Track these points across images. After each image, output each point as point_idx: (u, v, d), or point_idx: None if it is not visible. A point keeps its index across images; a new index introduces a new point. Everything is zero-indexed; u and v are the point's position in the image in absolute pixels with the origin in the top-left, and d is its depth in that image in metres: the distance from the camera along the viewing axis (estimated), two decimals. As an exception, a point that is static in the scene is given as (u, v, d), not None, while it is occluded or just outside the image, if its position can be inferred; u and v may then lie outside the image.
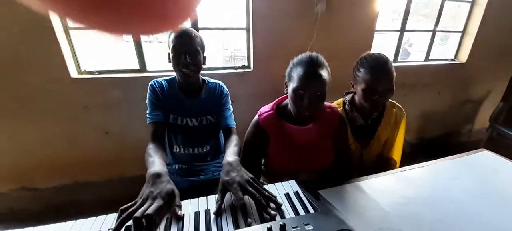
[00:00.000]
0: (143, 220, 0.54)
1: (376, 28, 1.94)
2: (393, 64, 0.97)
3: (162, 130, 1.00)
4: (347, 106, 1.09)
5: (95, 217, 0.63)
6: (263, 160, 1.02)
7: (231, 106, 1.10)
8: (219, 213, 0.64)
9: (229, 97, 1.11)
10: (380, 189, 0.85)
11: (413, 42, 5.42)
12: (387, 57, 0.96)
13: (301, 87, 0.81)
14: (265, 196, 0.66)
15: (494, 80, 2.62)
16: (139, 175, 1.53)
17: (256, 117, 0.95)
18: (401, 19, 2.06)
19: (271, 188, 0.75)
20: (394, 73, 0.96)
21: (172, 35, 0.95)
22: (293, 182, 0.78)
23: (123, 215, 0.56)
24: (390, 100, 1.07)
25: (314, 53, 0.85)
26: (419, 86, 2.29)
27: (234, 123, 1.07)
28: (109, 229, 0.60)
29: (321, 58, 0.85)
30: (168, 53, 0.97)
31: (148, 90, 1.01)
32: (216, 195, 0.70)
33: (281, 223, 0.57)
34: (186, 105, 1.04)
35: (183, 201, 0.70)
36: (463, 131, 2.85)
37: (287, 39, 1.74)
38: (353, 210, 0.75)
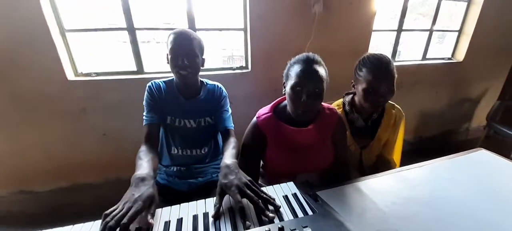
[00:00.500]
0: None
1: (374, 28, 1.94)
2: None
3: (156, 132, 0.99)
4: (347, 107, 1.09)
5: (93, 222, 0.63)
6: (261, 162, 1.02)
7: (229, 108, 1.10)
8: (217, 216, 0.64)
9: (228, 99, 1.11)
10: (378, 190, 0.85)
11: (403, 41, 5.37)
12: (389, 58, 0.96)
13: (299, 84, 0.81)
14: (263, 199, 0.66)
15: (490, 79, 2.64)
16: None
17: (255, 119, 0.94)
18: (398, 18, 2.07)
19: (269, 190, 0.75)
20: (396, 75, 0.96)
21: (171, 36, 0.94)
22: (291, 183, 0.78)
23: (107, 219, 0.58)
24: (389, 101, 1.08)
25: (311, 53, 0.87)
26: (417, 85, 2.31)
27: (232, 124, 1.06)
28: None
29: (318, 57, 0.86)
30: (167, 54, 0.96)
31: (146, 92, 1.01)
32: (214, 198, 0.69)
33: (279, 225, 0.57)
34: (184, 107, 1.04)
35: (182, 204, 0.69)
36: (461, 130, 2.87)
37: (284, 40, 1.74)
38: (351, 211, 0.75)
